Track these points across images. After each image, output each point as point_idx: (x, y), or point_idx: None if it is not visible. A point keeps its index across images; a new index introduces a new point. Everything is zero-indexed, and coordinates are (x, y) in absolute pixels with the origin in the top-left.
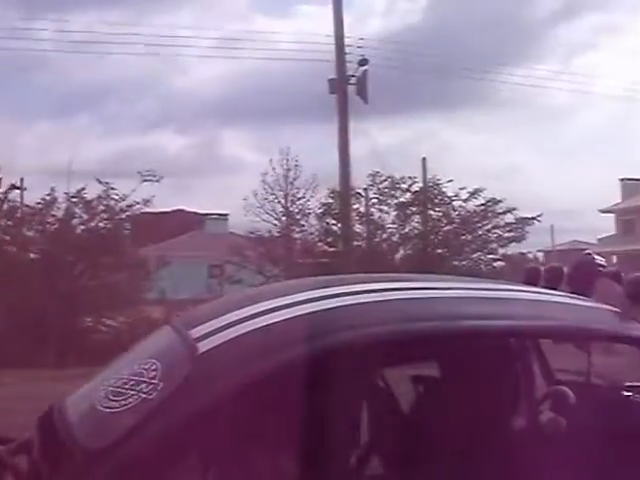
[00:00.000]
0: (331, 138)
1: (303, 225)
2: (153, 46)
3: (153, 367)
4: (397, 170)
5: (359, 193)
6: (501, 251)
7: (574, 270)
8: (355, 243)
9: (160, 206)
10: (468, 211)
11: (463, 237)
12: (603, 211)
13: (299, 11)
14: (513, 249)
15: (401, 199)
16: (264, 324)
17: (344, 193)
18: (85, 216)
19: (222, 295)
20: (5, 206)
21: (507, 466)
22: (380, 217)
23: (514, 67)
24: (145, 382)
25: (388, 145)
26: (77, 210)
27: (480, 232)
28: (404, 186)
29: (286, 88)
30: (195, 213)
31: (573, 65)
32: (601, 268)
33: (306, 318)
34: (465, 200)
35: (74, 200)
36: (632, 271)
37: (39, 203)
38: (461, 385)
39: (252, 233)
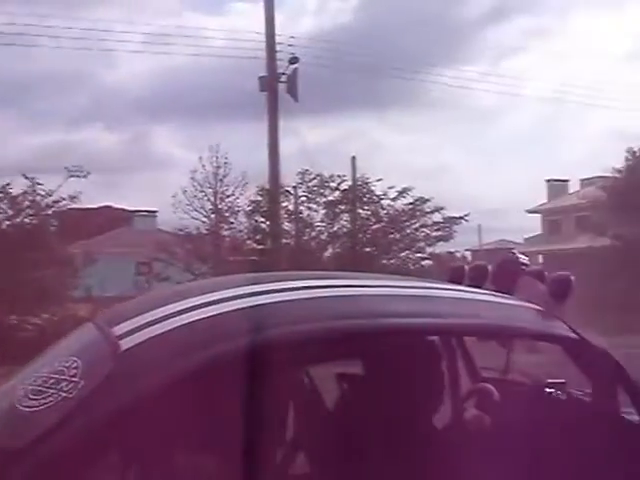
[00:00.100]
0: (261, 136)
1: (232, 223)
2: (83, 40)
3: (74, 365)
4: (326, 168)
5: (288, 191)
6: (429, 250)
7: (498, 268)
8: (284, 241)
9: (88, 202)
10: (396, 210)
11: (391, 236)
12: (529, 211)
13: (231, 8)
14: (441, 248)
15: (330, 197)
16: (189, 321)
17: (273, 191)
18: (10, 212)
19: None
20: None
21: (432, 463)
22: (309, 215)
23: (444, 68)
24: (66, 380)
25: (318, 143)
26: (2, 206)
27: (408, 231)
28: (333, 184)
29: (217, 85)
30: (123, 210)
31: (502, 67)
32: (524, 267)
33: (232, 315)
34: (394, 199)
35: None
36: (556, 270)
37: None
38: (386, 383)
39: (180, 230)
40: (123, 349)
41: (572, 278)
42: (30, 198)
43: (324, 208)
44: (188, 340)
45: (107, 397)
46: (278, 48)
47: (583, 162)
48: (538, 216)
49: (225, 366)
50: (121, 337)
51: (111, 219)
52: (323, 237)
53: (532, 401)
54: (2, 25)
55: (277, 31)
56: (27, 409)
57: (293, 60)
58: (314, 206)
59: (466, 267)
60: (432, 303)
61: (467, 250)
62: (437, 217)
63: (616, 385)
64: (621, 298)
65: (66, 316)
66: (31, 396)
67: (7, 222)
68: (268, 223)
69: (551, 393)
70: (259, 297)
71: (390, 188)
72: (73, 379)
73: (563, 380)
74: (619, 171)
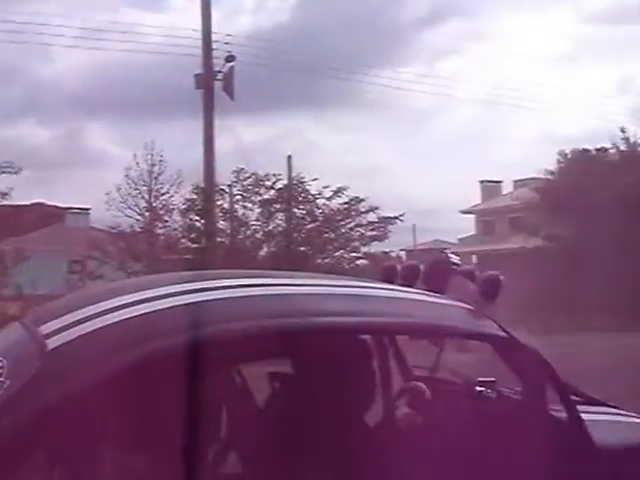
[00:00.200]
0: (197, 134)
1: (167, 221)
2: (18, 34)
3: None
4: (262, 167)
5: (223, 189)
6: (364, 249)
7: (429, 268)
8: (219, 240)
9: (19, 199)
10: (331, 209)
11: (326, 235)
12: (463, 212)
13: (169, 5)
14: (376, 248)
15: (265, 196)
16: (120, 319)
17: (208, 189)
18: None
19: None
20: None
21: (363, 461)
22: (244, 214)
23: (380, 69)
24: None
25: (254, 142)
26: None
27: (343, 230)
28: (268, 183)
29: (153, 82)
30: (56, 207)
31: (437, 69)
32: (455, 266)
33: (165, 313)
34: (329, 198)
35: None
36: (488, 270)
37: None
38: (319, 381)
39: (113, 228)
40: (50, 348)
41: (502, 278)
42: None
43: (259, 207)
44: (118, 338)
45: (33, 396)
46: (215, 46)
47: (516, 163)
48: (472, 217)
49: (157, 364)
50: (48, 336)
51: (43, 216)
52: (258, 236)
53: (462, 399)
54: None
55: (214, 29)
56: None
57: (229, 58)
58: (249, 205)
59: (398, 266)
60: (364, 302)
61: (402, 250)
62: (372, 217)
63: (545, 383)
64: (553, 298)
65: None
66: None
67: None
68: (203, 222)
69: (481, 391)
70: (192, 295)
71: (325, 187)
72: None
73: (493, 379)
74: (551, 173)
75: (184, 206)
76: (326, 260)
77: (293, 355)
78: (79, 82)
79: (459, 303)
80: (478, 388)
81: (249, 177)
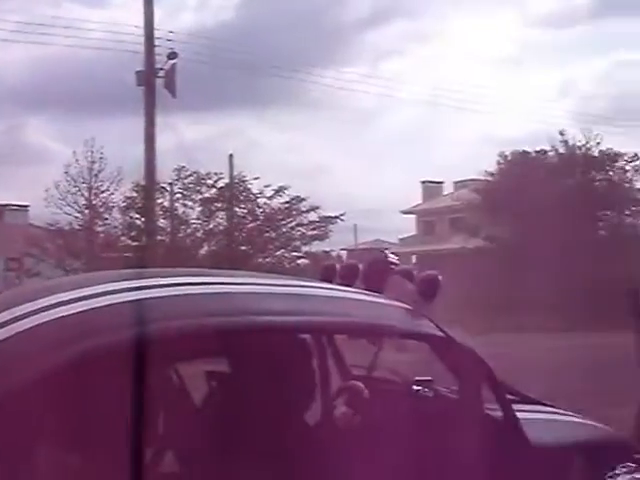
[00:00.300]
0: (138, 131)
1: (106, 218)
2: None
3: None
4: (203, 166)
5: (164, 187)
6: (305, 249)
7: (368, 268)
8: (159, 238)
9: None
10: (272, 208)
11: (267, 234)
12: (404, 212)
13: (111, 1)
14: (317, 247)
15: (206, 195)
16: (58, 316)
17: (148, 187)
18: None
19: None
20: None
21: (302, 460)
22: (184, 212)
23: (323, 68)
24: None
25: (195, 140)
26: None
27: (284, 229)
28: (209, 182)
29: (94, 78)
30: None
31: (380, 69)
32: (394, 266)
33: (103, 311)
34: (270, 197)
35: None
36: (425, 270)
37: None
38: (257, 380)
39: (52, 225)
40: None
41: (440, 277)
42: None
43: (200, 205)
44: (56, 336)
45: None
46: (157, 43)
47: (457, 164)
48: (413, 217)
49: (94, 362)
50: None
51: None
52: (198, 234)
53: (400, 399)
54: None
55: (156, 26)
56: None
57: (171, 55)
58: (190, 203)
59: (338, 266)
60: (303, 301)
61: (343, 249)
62: (313, 216)
63: (481, 382)
64: (492, 298)
65: None
66: None
67: None
68: (143, 219)
69: (418, 390)
70: (131, 293)
71: (266, 187)
72: None
73: (430, 378)
74: (491, 174)
75: (124, 204)
76: (267, 259)
77: (232, 354)
78: (19, 77)
79: (397, 303)
80: (415, 387)
81: (190, 175)
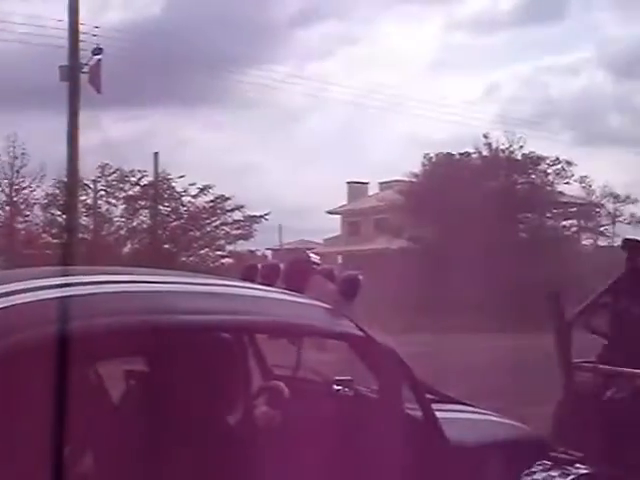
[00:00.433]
0: (61, 127)
1: (27, 215)
2: None
3: None
4: (128, 163)
5: (87, 185)
6: (229, 248)
7: (289, 267)
8: (81, 235)
9: None
10: (197, 207)
11: (191, 233)
12: (330, 212)
13: None
14: (242, 246)
15: (130, 192)
16: None
17: (71, 184)
18: None
19: None
20: None
21: (222, 460)
22: (108, 210)
23: (253, 67)
24: None
25: (120, 137)
26: None
27: (208, 229)
28: (133, 179)
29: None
30: None
31: (309, 70)
32: (315, 266)
33: (21, 308)
34: (194, 196)
35: None
36: (347, 269)
37: None
38: (178, 380)
39: None
40: None
41: (360, 277)
42: None
43: (123, 203)
44: None
45: None
46: (82, 38)
47: (383, 166)
48: (338, 217)
49: (13, 360)
50: None
51: None
52: (122, 232)
53: (321, 398)
54: None
55: (82, 21)
56: None
57: (96, 51)
58: (113, 201)
59: (259, 265)
60: (225, 300)
61: (268, 249)
62: (238, 215)
63: (400, 382)
64: (415, 298)
65: None
66: None
67: None
68: (65, 217)
69: (339, 390)
70: (52, 290)
71: (191, 185)
72: None
73: (350, 377)
74: (416, 175)
75: (46, 201)
76: (191, 258)
77: (154, 353)
78: None
79: (318, 302)
80: (335, 387)
81: (114, 172)
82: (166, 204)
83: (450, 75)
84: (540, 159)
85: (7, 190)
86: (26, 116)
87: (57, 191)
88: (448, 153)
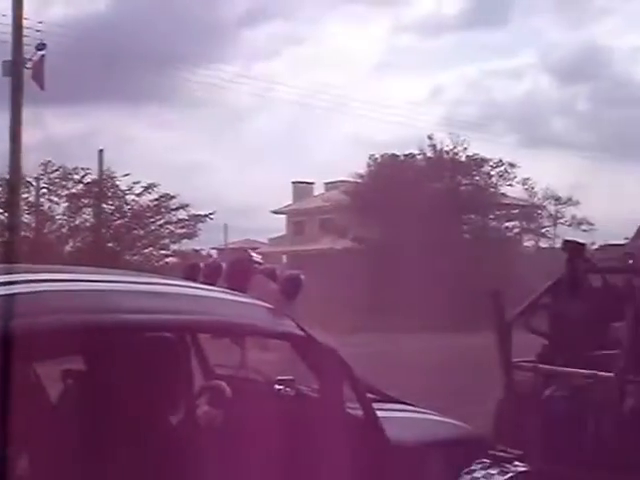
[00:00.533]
0: (3, 123)
1: None
2: None
3: None
4: (72, 160)
5: (29, 182)
6: (174, 247)
7: (231, 267)
8: (23, 234)
9: None
10: (141, 206)
11: (135, 232)
12: (275, 212)
13: None
14: (187, 245)
15: (73, 190)
16: None
17: (13, 181)
18: None
19: None
20: None
21: (163, 459)
22: (50, 208)
23: (200, 66)
24: None
25: (64, 134)
26: None
27: (153, 227)
28: (77, 177)
29: None
30: None
31: (255, 69)
32: (257, 265)
33: None
34: (139, 194)
35: None
36: (288, 269)
37: None
38: (119, 379)
39: None
40: None
41: (302, 277)
42: None
43: (66, 201)
44: None
45: None
46: (26, 33)
47: (328, 166)
48: (283, 217)
49: None
50: None
51: None
52: (64, 231)
53: (262, 398)
54: None
55: (26, 15)
56: None
57: (40, 46)
58: (56, 199)
59: (201, 265)
60: (166, 300)
61: (213, 248)
62: (182, 214)
63: (342, 381)
64: (359, 298)
65: None
66: None
67: None
68: (6, 215)
69: (280, 390)
70: None
71: (135, 183)
72: None
73: (292, 377)
74: (361, 176)
75: None
76: (135, 257)
77: (96, 352)
78: None
79: (259, 302)
80: (277, 386)
81: (56, 170)
82: (110, 202)
83: (396, 76)
84: (484, 161)
85: None
86: None
87: None
88: (393, 154)
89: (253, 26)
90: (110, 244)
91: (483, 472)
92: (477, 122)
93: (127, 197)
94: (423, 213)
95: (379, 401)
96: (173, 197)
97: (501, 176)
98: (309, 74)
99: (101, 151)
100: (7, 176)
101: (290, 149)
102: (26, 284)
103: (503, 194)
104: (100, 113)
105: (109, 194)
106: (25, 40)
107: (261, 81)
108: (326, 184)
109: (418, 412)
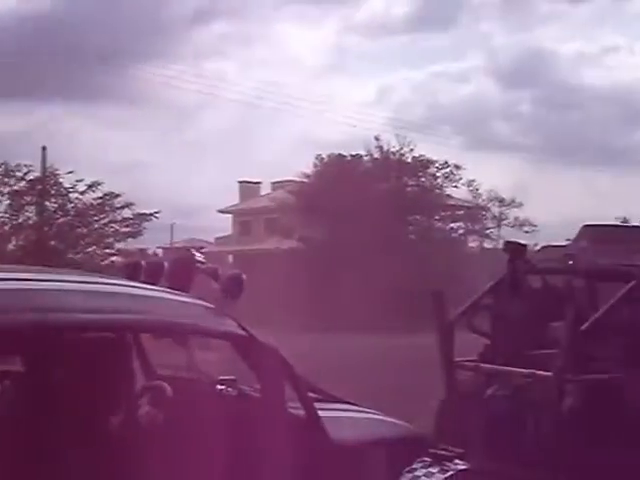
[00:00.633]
0: None
1: None
2: None
3: None
4: (14, 157)
5: None
6: (118, 246)
7: (173, 266)
8: None
9: None
10: (85, 204)
11: (79, 230)
12: (221, 211)
13: None
14: (132, 244)
15: (15, 187)
16: None
17: None
18: None
19: None
20: None
21: (103, 460)
22: None
23: (146, 64)
24: None
25: (6, 131)
26: None
27: (97, 226)
28: (19, 174)
29: None
30: None
31: (203, 68)
32: (199, 264)
33: None
34: (82, 192)
35: None
36: (230, 269)
37: None
38: (58, 380)
39: None
40: None
41: (244, 277)
42: None
43: (8, 198)
44: None
45: None
46: None
47: (275, 166)
48: (229, 216)
49: None
50: None
51: None
52: (6, 228)
53: (204, 398)
54: None
55: None
56: None
57: None
58: None
59: (143, 263)
60: (106, 299)
61: (159, 247)
62: (127, 213)
63: (283, 381)
64: (303, 298)
65: None
66: None
67: None
68: None
69: (222, 390)
70: None
71: (79, 181)
72: None
73: (233, 377)
74: (307, 176)
75: None
76: (78, 255)
77: (33, 352)
78: None
79: (201, 301)
80: (219, 386)
81: None
82: (53, 200)
83: (343, 77)
84: (430, 162)
85: None
86: None
87: None
88: (339, 154)
89: (201, 24)
90: (53, 242)
91: (424, 470)
92: (423, 124)
93: (71, 195)
94: (369, 213)
95: (321, 400)
96: (118, 195)
97: (446, 177)
98: (257, 73)
99: (44, 148)
100: None
101: (237, 148)
102: None
103: (448, 195)
104: (43, 110)
105: (52, 192)
106: None
107: (209, 80)
108: (273, 184)
109: (360, 411)
